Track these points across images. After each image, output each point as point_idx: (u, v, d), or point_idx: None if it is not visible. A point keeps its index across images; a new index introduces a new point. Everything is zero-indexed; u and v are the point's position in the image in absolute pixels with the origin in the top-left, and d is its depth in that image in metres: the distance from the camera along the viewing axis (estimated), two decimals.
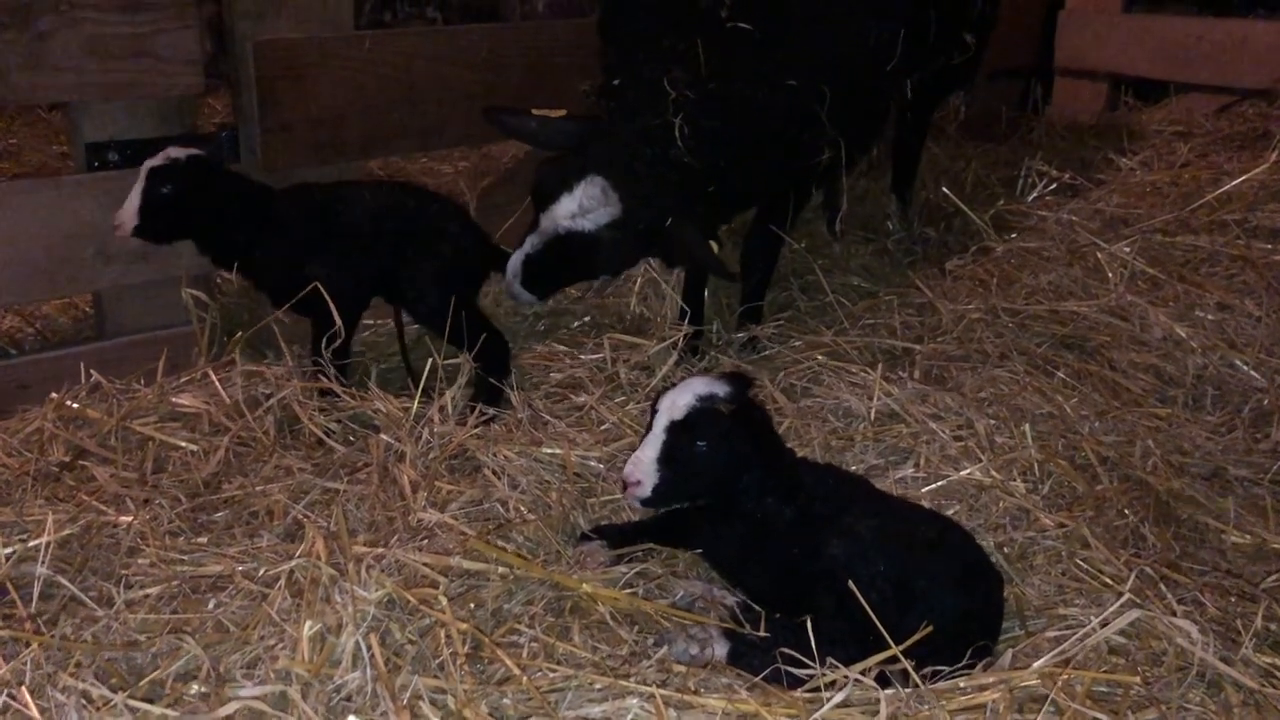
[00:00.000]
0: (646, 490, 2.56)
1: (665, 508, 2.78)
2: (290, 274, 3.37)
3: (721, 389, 2.66)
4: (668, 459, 2.56)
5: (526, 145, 4.05)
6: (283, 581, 2.25)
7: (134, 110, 3.52)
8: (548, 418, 3.40)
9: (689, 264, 3.68)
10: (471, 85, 4.27)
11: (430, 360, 3.37)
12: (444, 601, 2.18)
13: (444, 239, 3.51)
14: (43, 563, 2.36)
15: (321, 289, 3.30)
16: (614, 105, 3.49)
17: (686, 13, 3.47)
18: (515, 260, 3.41)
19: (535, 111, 3.54)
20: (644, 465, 2.56)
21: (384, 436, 3.15)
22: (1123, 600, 2.25)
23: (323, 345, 3.36)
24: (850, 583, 2.39)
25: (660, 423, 2.60)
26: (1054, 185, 5.20)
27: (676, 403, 2.62)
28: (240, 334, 3.49)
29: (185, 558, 2.60)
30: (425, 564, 2.37)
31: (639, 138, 3.34)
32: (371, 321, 3.97)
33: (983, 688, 2.18)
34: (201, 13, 3.57)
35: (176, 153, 3.26)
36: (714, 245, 3.39)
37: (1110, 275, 4.16)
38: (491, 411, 3.37)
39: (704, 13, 3.45)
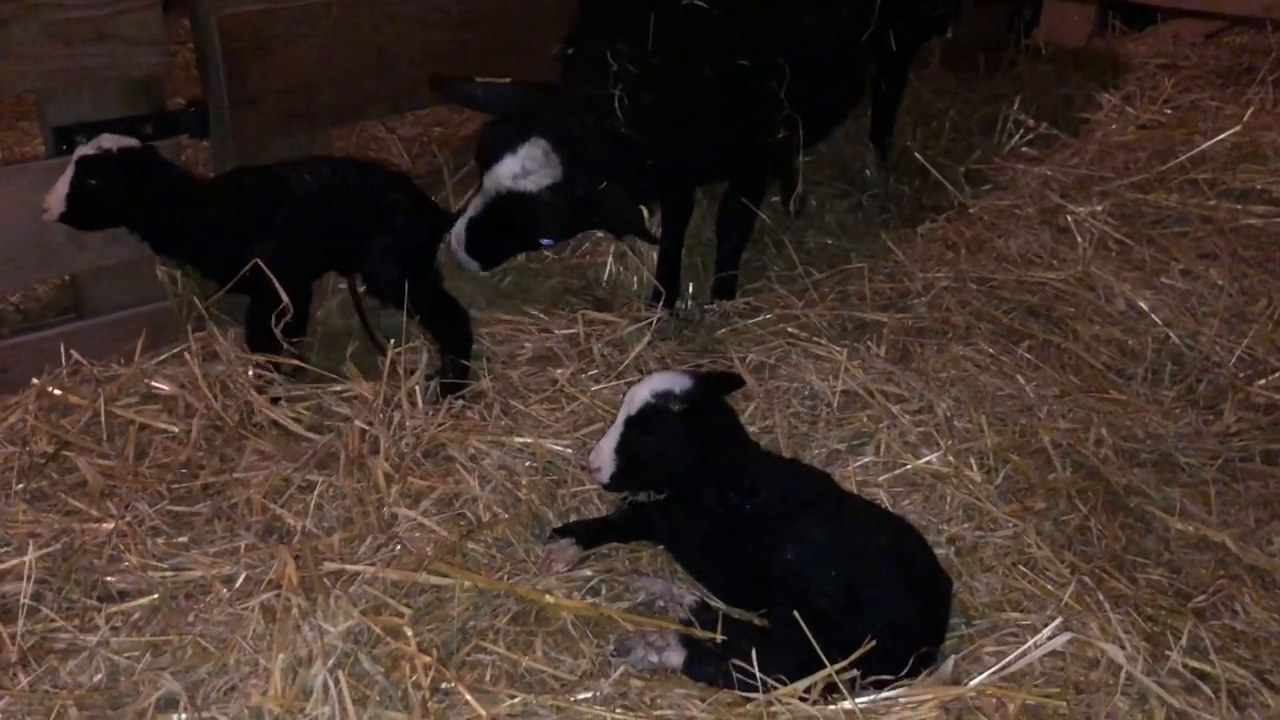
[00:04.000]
0: (605, 476, 2.78)
1: (628, 492, 2.93)
2: (230, 259, 3.35)
3: (680, 386, 2.78)
4: (623, 450, 2.76)
5: None
6: (257, 609, 2.35)
7: (99, 92, 3.49)
8: (520, 392, 3.50)
9: (621, 229, 3.70)
10: (443, 46, 4.21)
11: (392, 341, 3.43)
12: (408, 633, 2.28)
13: (393, 211, 3.51)
14: (25, 594, 2.45)
15: (264, 267, 3.31)
16: (566, 71, 3.53)
17: None
18: (459, 225, 3.43)
19: (480, 80, 3.54)
20: (604, 455, 2.78)
21: (358, 423, 3.23)
22: (1056, 623, 2.36)
23: (270, 322, 3.34)
24: (801, 591, 2.53)
25: (621, 415, 2.79)
26: (1031, 136, 5.17)
27: (635, 397, 2.79)
28: (189, 320, 3.56)
29: (165, 565, 2.71)
30: (394, 581, 2.47)
31: (582, 105, 3.35)
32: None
33: (920, 703, 2.30)
34: None
35: (109, 142, 3.21)
36: (645, 212, 3.45)
37: (1080, 240, 4.19)
38: (459, 391, 3.44)
39: None
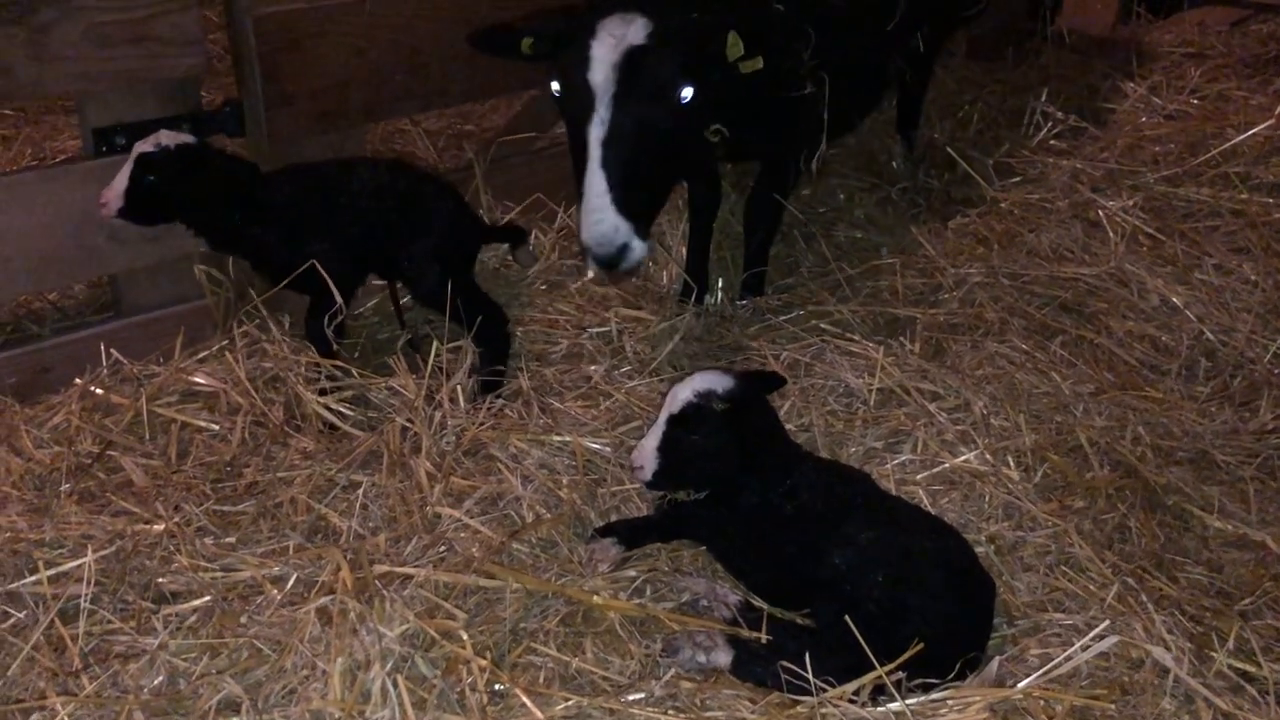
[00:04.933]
0: (647, 475, 2.81)
1: (669, 491, 2.96)
2: (286, 255, 3.42)
3: (723, 385, 2.81)
4: (665, 449, 2.80)
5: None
6: (312, 612, 2.38)
7: (138, 93, 3.51)
8: (557, 389, 3.53)
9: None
10: None
11: (434, 344, 3.46)
12: (464, 636, 2.31)
13: (439, 217, 3.56)
14: (86, 598, 2.49)
15: (319, 268, 3.36)
16: None
17: None
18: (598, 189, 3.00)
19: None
20: (646, 453, 2.81)
21: (399, 420, 3.26)
22: (1104, 625, 2.38)
23: (322, 323, 3.41)
24: (848, 593, 2.56)
25: (663, 414, 2.82)
26: (1059, 129, 5.16)
27: (677, 396, 2.82)
28: (235, 315, 3.59)
29: (215, 566, 2.75)
30: (446, 583, 2.50)
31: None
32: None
33: (968, 705, 2.33)
34: None
35: (167, 139, 3.25)
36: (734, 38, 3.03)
37: (1111, 234, 4.20)
38: (497, 392, 3.47)
39: None
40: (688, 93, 3.05)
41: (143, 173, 3.21)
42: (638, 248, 3.04)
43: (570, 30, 3.10)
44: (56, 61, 3.28)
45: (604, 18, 3.04)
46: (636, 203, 3.03)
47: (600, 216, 2.97)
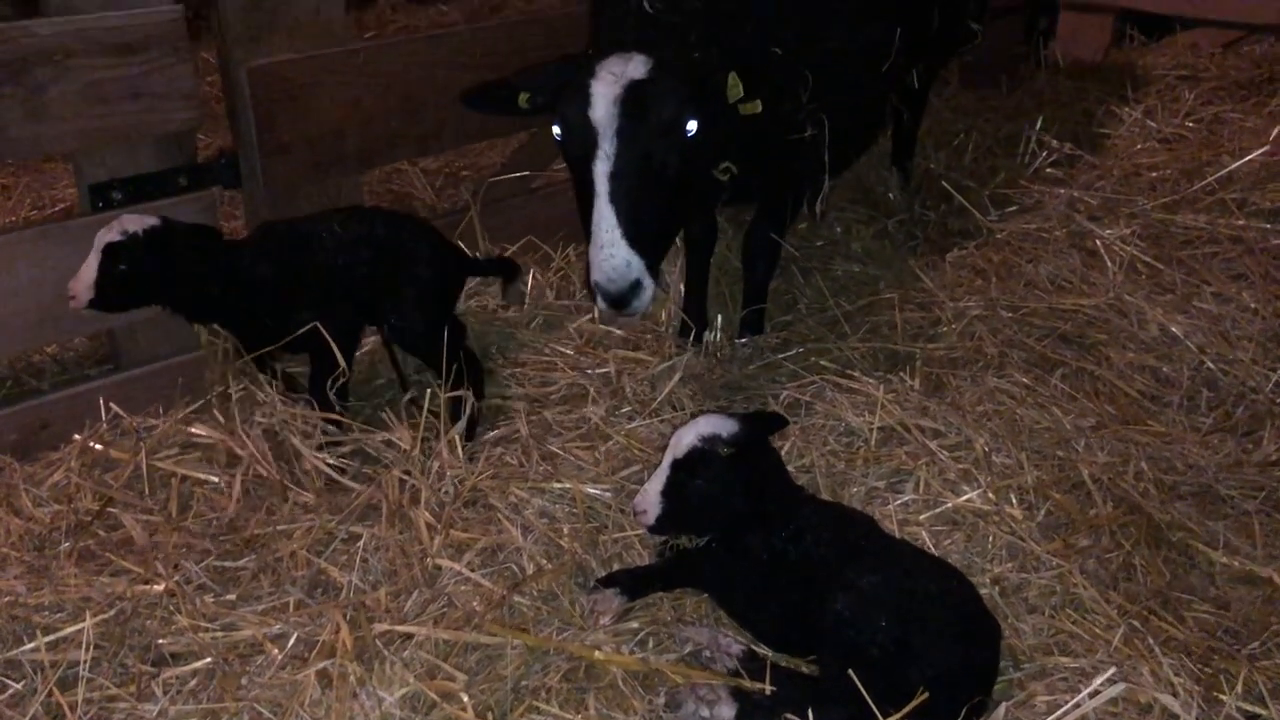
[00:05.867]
0: (651, 520, 2.78)
1: (673, 536, 2.94)
2: (275, 324, 3.35)
3: (728, 429, 2.79)
4: (670, 494, 2.77)
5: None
6: (312, 675, 2.36)
7: (134, 148, 3.53)
8: (557, 431, 3.52)
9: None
10: (467, 86, 4.23)
11: (429, 390, 3.45)
12: (465, 698, 2.30)
13: (419, 261, 3.51)
14: (85, 664, 2.47)
15: (322, 332, 3.32)
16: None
17: None
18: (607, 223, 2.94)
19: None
20: (649, 499, 2.79)
21: (396, 473, 3.25)
22: (1110, 673, 2.36)
23: (325, 384, 3.38)
24: (852, 640, 2.53)
25: (667, 458, 2.80)
26: (1055, 156, 5.17)
27: (681, 441, 2.80)
28: (231, 368, 3.56)
29: (215, 626, 2.73)
30: (446, 641, 2.49)
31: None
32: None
33: None
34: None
35: (133, 225, 3.13)
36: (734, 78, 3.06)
37: (1109, 263, 4.19)
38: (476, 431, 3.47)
39: None
40: (692, 125, 3.02)
41: (113, 263, 3.09)
42: (649, 286, 2.98)
43: (568, 75, 3.09)
44: (53, 120, 3.31)
45: (602, 60, 3.04)
46: (647, 238, 2.98)
47: (612, 251, 2.91)
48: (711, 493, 2.77)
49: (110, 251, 3.09)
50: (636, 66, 2.99)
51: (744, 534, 2.81)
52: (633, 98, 2.95)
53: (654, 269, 3.03)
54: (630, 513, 3.01)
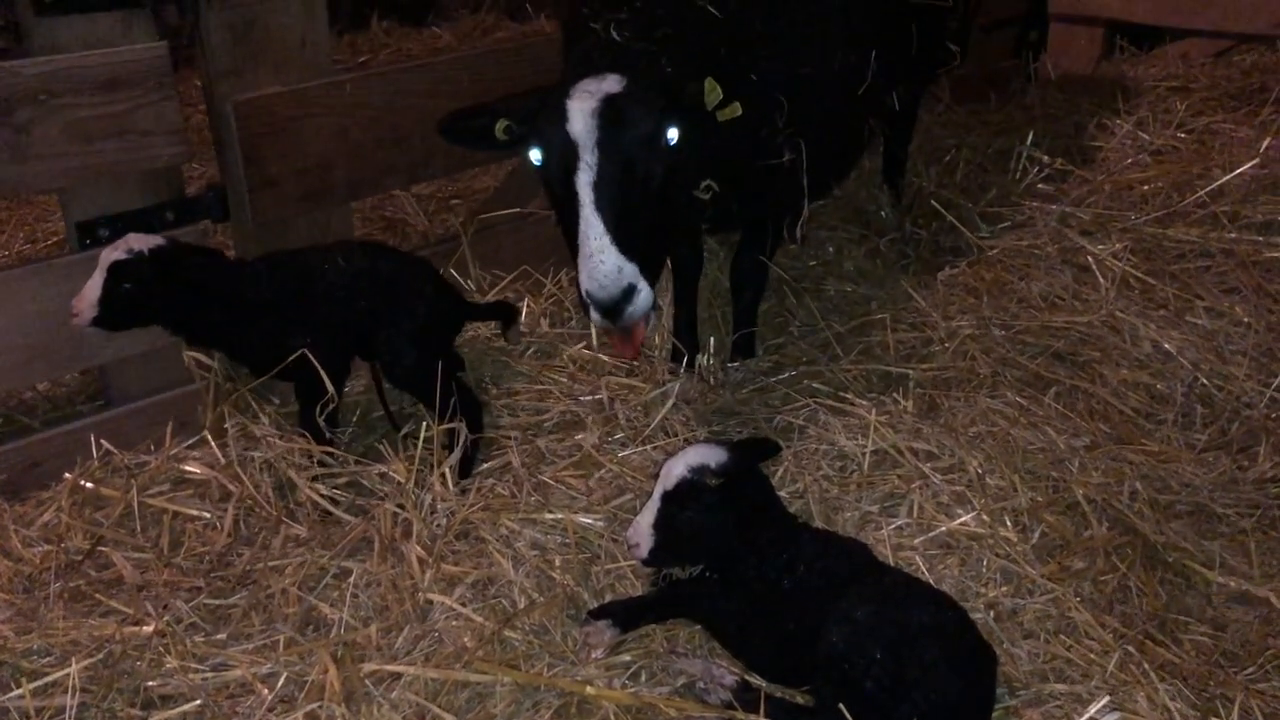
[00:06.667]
0: (643, 552, 2.78)
1: (666, 567, 2.92)
2: (269, 348, 3.37)
3: (716, 459, 2.78)
4: (661, 525, 2.76)
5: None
6: (300, 718, 2.35)
7: (121, 185, 3.53)
8: (550, 459, 3.50)
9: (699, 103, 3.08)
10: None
11: (425, 423, 3.43)
12: None
13: (418, 300, 3.52)
14: (71, 712, 2.46)
15: (311, 358, 3.33)
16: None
17: None
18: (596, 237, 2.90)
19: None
20: (641, 531, 2.78)
21: (389, 506, 3.24)
22: (1104, 702, 2.34)
23: (314, 412, 3.39)
24: (846, 672, 2.51)
25: (657, 490, 2.79)
26: (1046, 172, 5.16)
27: (671, 472, 2.79)
28: (225, 402, 3.56)
29: (205, 667, 2.72)
30: (436, 679, 2.47)
31: None
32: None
33: None
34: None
35: (138, 244, 3.17)
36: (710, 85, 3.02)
37: (1101, 279, 4.18)
38: (472, 469, 3.47)
39: None
40: (673, 134, 3.00)
41: (118, 281, 3.13)
42: (644, 290, 2.91)
43: (544, 99, 3.09)
44: (38, 159, 3.30)
45: (577, 80, 3.03)
46: (637, 244, 2.91)
47: (602, 257, 2.84)
48: (702, 524, 2.76)
49: (115, 270, 3.14)
50: (611, 83, 3.00)
51: (737, 564, 2.80)
52: (610, 109, 2.94)
53: (650, 276, 2.96)
54: (623, 544, 3.00)
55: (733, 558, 2.80)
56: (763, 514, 2.85)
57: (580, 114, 2.95)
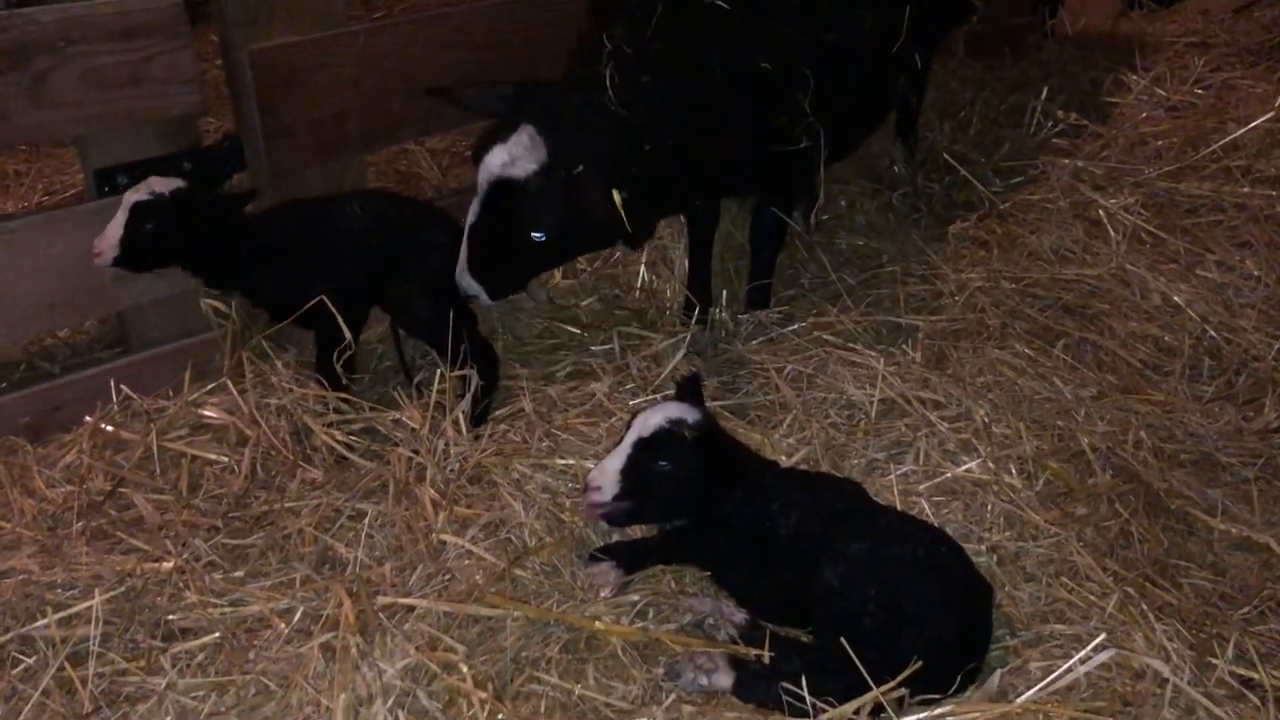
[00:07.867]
0: (606, 496, 2.73)
1: (620, 523, 2.92)
2: (288, 294, 3.43)
3: (693, 415, 2.80)
4: (629, 472, 2.74)
5: None
6: (316, 649, 2.41)
7: (138, 133, 3.56)
8: (561, 407, 3.55)
9: (594, 216, 3.28)
10: (469, 66, 4.25)
11: (440, 371, 3.48)
12: (464, 669, 2.34)
13: (434, 250, 3.54)
14: (95, 640, 2.53)
15: (328, 304, 3.38)
16: (568, 62, 3.56)
17: None
18: (463, 250, 3.35)
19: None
20: (607, 474, 2.75)
21: (403, 451, 3.29)
22: (1100, 639, 2.39)
23: (331, 358, 3.44)
24: (842, 610, 2.56)
25: (629, 437, 2.79)
26: (1060, 127, 5.15)
27: (648, 422, 2.79)
28: (245, 346, 3.62)
29: (224, 602, 2.79)
30: (448, 613, 2.53)
31: (569, 87, 3.33)
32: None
33: None
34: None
35: (160, 185, 3.24)
36: (617, 196, 3.20)
37: (1112, 233, 4.18)
38: (485, 418, 3.52)
39: None
40: (538, 236, 3.29)
41: (139, 221, 3.20)
42: (484, 299, 3.39)
43: (502, 116, 3.34)
44: (56, 107, 3.33)
45: (520, 123, 3.21)
46: (489, 273, 3.34)
47: (460, 273, 3.34)
48: (674, 475, 2.75)
49: (137, 211, 3.21)
50: (522, 165, 3.19)
51: (718, 514, 2.82)
52: (492, 193, 3.26)
53: (498, 292, 3.42)
54: (584, 488, 2.84)
55: (707, 510, 2.81)
56: (731, 469, 2.85)
57: (484, 169, 3.27)
